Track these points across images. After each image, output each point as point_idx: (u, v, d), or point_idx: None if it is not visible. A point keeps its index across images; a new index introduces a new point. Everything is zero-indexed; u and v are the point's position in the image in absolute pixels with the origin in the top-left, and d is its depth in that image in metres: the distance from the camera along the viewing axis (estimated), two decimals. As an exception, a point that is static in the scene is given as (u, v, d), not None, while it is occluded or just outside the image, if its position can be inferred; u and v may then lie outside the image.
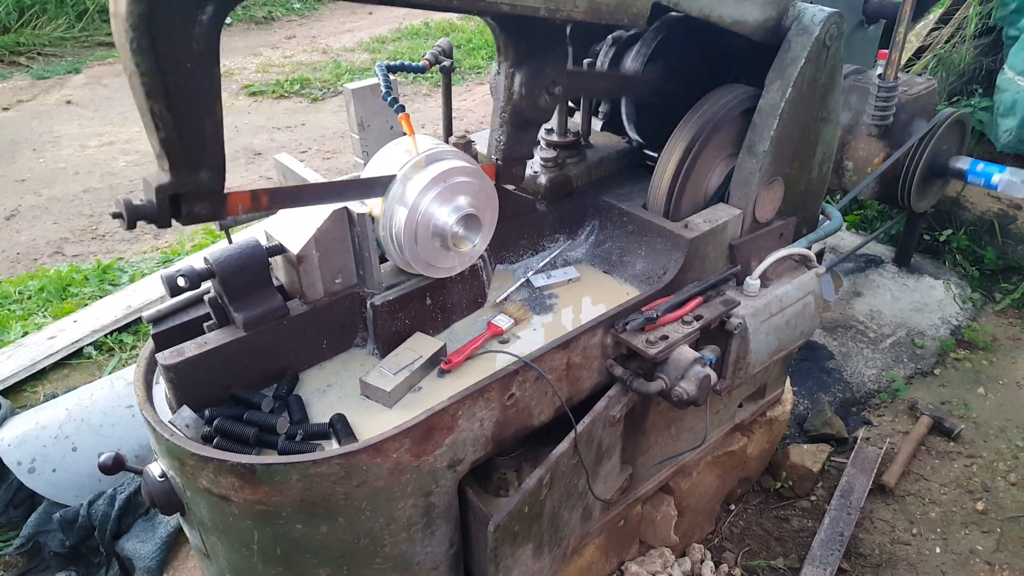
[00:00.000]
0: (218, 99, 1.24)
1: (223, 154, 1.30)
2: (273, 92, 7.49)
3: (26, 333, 3.62)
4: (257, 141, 6.36)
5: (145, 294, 3.81)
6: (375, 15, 10.32)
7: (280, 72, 8.04)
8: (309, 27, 9.98)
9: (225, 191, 1.34)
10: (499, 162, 1.84)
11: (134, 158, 6.05)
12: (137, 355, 3.48)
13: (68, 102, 7.24)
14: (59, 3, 8.89)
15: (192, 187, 1.27)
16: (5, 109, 7.04)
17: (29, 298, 3.99)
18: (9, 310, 3.88)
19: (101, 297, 3.95)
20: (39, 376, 3.35)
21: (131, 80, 1.14)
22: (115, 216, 1.24)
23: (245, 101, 7.32)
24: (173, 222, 1.30)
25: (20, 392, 3.26)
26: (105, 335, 3.58)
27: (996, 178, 3.41)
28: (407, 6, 1.46)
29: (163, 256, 4.48)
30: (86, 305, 3.86)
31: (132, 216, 1.24)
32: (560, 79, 1.78)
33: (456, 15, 9.87)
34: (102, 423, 2.64)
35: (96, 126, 6.69)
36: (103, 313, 3.69)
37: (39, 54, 8.45)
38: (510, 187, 2.05)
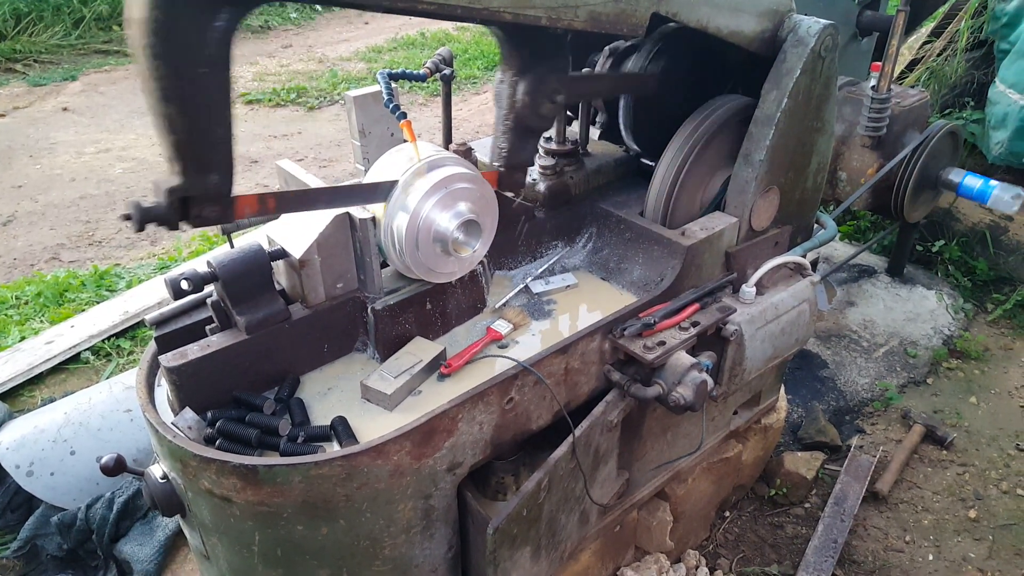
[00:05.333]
0: (229, 104, 1.25)
1: (233, 158, 1.31)
2: (269, 100, 7.52)
3: (23, 338, 3.62)
4: (254, 149, 6.38)
5: (142, 300, 3.82)
6: (371, 25, 10.36)
7: (276, 81, 8.06)
8: (305, 36, 10.00)
9: (233, 195, 1.36)
10: (501, 169, 1.86)
11: (130, 165, 6.06)
12: (135, 360, 3.49)
13: (64, 109, 7.24)
14: (56, 11, 8.90)
15: (202, 190, 1.29)
16: (2, 116, 7.04)
17: (26, 303, 3.99)
18: (7, 315, 3.88)
19: (98, 303, 3.95)
20: (37, 380, 3.36)
21: (145, 84, 1.15)
22: (125, 218, 1.25)
23: (242, 109, 7.33)
24: (177, 225, 1.31)
25: (18, 396, 3.26)
26: (102, 340, 3.59)
27: (989, 193, 3.46)
28: (410, 15, 1.48)
29: (160, 262, 4.48)
30: (83, 310, 3.87)
31: (142, 218, 1.24)
32: (563, 87, 1.80)
33: (452, 26, 9.92)
34: (100, 427, 2.65)
35: (92, 133, 6.70)
36: (100, 318, 3.70)
37: (36, 61, 8.45)
38: (510, 194, 2.07)
